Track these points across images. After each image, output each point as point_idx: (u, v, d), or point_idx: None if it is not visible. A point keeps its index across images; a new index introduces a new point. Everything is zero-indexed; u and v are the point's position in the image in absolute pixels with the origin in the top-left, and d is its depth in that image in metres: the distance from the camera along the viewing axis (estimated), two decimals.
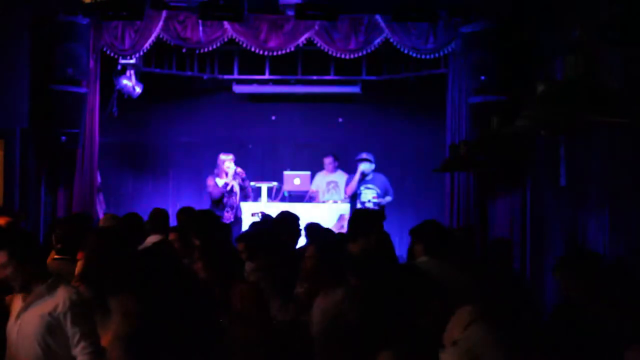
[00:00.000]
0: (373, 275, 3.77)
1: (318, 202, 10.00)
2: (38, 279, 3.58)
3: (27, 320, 3.54)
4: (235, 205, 9.49)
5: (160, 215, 6.10)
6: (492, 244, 5.28)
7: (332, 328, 3.82)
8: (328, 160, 10.27)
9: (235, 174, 9.58)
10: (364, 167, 9.67)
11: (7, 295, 3.88)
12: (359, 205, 9.61)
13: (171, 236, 5.56)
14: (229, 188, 9.52)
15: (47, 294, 3.56)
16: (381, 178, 9.80)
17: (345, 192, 9.86)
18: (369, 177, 9.73)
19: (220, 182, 9.56)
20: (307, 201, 9.96)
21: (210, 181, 9.59)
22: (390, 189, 9.80)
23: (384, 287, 3.18)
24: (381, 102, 11.27)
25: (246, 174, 9.79)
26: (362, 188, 9.71)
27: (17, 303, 3.66)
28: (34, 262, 3.63)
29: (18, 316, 3.59)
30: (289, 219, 5.98)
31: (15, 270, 3.53)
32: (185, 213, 6.40)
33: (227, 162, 9.58)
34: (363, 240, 5.20)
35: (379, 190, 9.69)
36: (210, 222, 6.00)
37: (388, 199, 9.73)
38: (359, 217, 5.86)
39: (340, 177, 10.22)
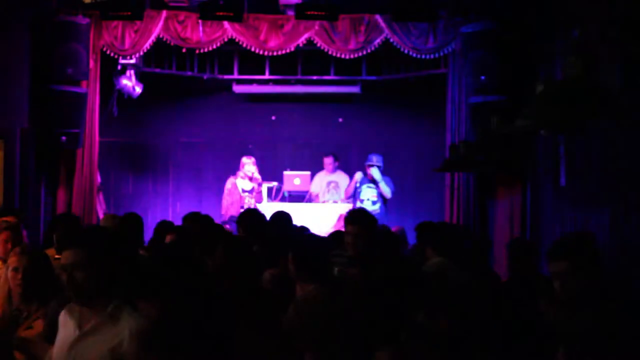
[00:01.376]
0: (372, 271, 3.77)
1: (318, 202, 10.01)
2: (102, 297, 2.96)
3: (84, 354, 2.94)
4: (253, 206, 9.58)
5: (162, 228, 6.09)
6: (511, 245, 5.20)
7: (311, 324, 3.80)
8: (328, 161, 10.27)
9: (253, 177, 9.77)
10: (374, 172, 9.71)
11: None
12: (358, 203, 9.65)
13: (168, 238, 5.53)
14: (250, 188, 9.71)
15: (110, 324, 2.93)
16: (384, 179, 9.82)
17: (345, 194, 9.93)
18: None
19: (243, 184, 9.68)
20: (307, 201, 9.97)
21: (228, 184, 9.77)
22: (392, 187, 9.81)
23: (383, 283, 3.19)
24: (381, 102, 11.27)
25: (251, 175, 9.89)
26: (364, 186, 9.74)
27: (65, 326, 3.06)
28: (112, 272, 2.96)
29: (72, 346, 2.96)
30: (283, 218, 5.98)
31: (88, 275, 2.89)
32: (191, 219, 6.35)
33: (247, 165, 9.73)
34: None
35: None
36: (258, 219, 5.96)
37: (387, 190, 9.71)
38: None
39: (340, 177, 10.22)
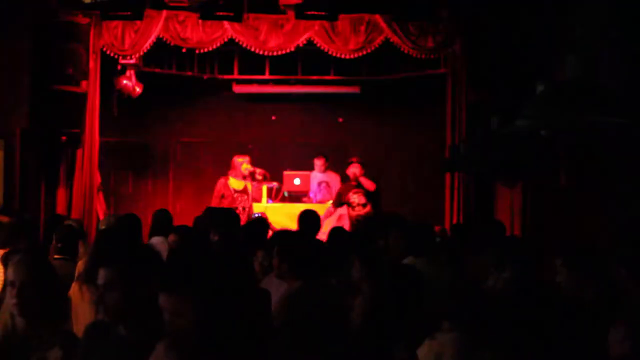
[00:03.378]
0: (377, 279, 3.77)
1: (311, 202, 10.00)
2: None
3: None
4: (247, 206, 9.52)
5: (163, 216, 6.10)
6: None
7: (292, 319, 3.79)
8: (319, 162, 10.23)
9: (253, 174, 9.67)
10: None
11: None
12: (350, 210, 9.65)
13: (171, 237, 5.53)
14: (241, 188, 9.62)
15: None
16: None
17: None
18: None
19: (236, 183, 9.60)
20: (305, 201, 9.97)
21: (219, 183, 9.61)
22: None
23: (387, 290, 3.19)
24: (381, 102, 11.27)
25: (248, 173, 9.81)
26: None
27: None
28: None
29: None
30: (311, 216, 5.96)
31: None
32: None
33: (244, 163, 9.59)
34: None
35: None
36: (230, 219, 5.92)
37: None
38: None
39: (331, 177, 10.22)
